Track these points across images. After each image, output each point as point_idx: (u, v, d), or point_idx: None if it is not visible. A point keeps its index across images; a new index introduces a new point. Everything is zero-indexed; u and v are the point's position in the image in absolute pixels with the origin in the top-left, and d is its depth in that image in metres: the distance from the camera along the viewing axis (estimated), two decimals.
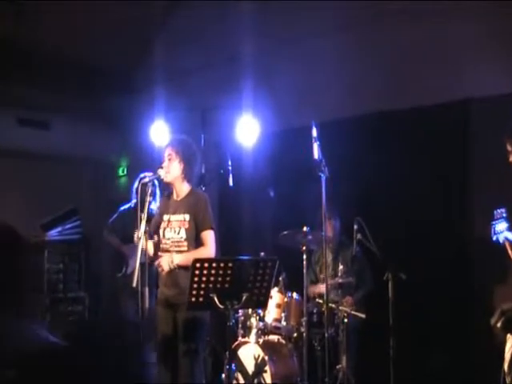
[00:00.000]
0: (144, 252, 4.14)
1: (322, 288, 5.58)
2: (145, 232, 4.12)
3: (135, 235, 4.27)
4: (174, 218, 4.41)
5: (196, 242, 4.32)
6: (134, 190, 6.17)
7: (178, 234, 4.35)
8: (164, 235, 4.42)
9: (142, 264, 4.06)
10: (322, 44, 6.31)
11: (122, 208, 6.30)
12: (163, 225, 4.45)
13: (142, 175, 6.17)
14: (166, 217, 4.45)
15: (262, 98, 6.43)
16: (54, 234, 7.49)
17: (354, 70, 6.15)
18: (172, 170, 4.39)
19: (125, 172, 8.53)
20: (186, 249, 4.30)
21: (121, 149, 8.49)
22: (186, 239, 4.32)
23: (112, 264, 6.18)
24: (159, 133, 6.42)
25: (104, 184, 8.46)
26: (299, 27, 6.44)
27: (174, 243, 4.36)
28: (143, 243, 4.11)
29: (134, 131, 7.68)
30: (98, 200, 8.13)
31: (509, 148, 4.29)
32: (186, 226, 4.33)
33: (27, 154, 7.59)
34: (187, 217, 4.36)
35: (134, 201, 6.17)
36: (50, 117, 7.82)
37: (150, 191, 4.28)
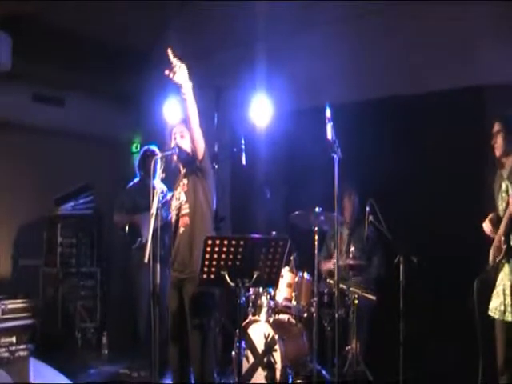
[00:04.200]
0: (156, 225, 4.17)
1: (332, 265, 5.63)
2: (157, 208, 4.15)
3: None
4: (177, 190, 4.46)
5: (195, 195, 4.30)
6: (138, 165, 6.27)
7: (179, 199, 4.38)
8: (171, 208, 4.46)
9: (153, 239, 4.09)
10: (338, 28, 6.27)
11: (129, 185, 6.35)
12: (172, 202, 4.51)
13: (144, 149, 6.29)
14: (174, 193, 4.52)
15: (276, 77, 6.40)
16: (67, 208, 7.55)
17: (369, 54, 6.12)
18: (183, 146, 4.40)
19: (138, 149, 8.55)
20: (187, 211, 4.30)
21: (134, 126, 8.51)
22: (186, 201, 4.33)
23: (126, 238, 6.19)
24: (172, 111, 6.42)
25: (117, 160, 8.49)
26: (314, 11, 6.39)
27: (177, 210, 4.38)
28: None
29: (148, 109, 7.68)
30: (111, 176, 8.16)
31: (496, 128, 4.29)
32: (185, 188, 4.36)
33: (41, 129, 7.62)
34: (185, 180, 4.39)
35: (138, 177, 6.26)
36: (64, 93, 7.83)
37: (163, 167, 4.30)
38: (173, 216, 4.42)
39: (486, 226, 4.27)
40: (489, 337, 4.28)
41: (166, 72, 4.05)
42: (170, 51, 4.05)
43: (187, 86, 4.13)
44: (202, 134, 4.27)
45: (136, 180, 6.32)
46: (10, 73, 6.69)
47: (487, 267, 4.26)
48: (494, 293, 4.20)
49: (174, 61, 4.06)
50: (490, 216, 4.29)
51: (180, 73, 4.07)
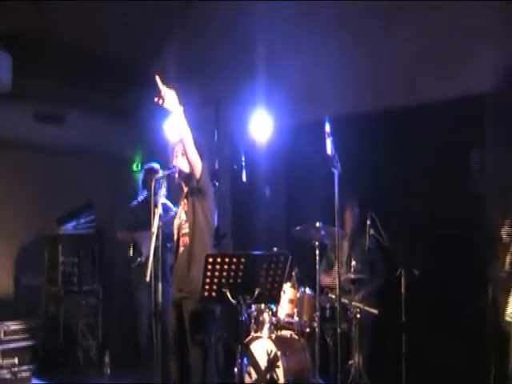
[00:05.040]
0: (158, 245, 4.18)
1: (332, 280, 5.63)
2: (158, 227, 4.16)
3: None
4: (179, 209, 4.49)
5: (194, 215, 4.30)
6: (141, 183, 6.29)
7: (180, 218, 4.41)
8: (174, 226, 4.49)
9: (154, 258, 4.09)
10: (337, 39, 6.29)
11: (133, 204, 6.36)
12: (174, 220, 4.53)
13: (146, 167, 6.30)
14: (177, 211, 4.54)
15: (276, 93, 6.42)
16: (68, 227, 7.55)
17: (368, 64, 6.13)
18: (182, 166, 4.43)
19: (139, 167, 8.56)
20: (187, 230, 4.32)
21: (135, 143, 8.53)
22: (186, 220, 4.35)
23: (126, 256, 6.20)
24: (173, 128, 6.44)
25: (119, 178, 8.50)
26: (312, 22, 6.42)
27: (178, 229, 4.42)
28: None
29: (149, 126, 7.71)
30: (112, 194, 8.16)
31: None
32: (186, 208, 4.38)
33: (43, 148, 7.63)
34: (186, 200, 4.42)
35: (143, 195, 6.27)
36: (65, 111, 7.85)
37: (164, 186, 4.32)
38: (175, 234, 4.45)
39: (505, 230, 4.28)
40: (502, 342, 4.29)
41: (156, 99, 4.10)
42: (157, 78, 4.09)
43: (178, 111, 4.17)
44: (198, 154, 4.30)
45: (140, 198, 6.32)
46: (10, 92, 6.71)
47: (501, 273, 4.27)
48: (511, 298, 4.21)
49: (163, 88, 4.11)
50: (510, 220, 4.30)
51: (169, 99, 4.11)
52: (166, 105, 4.13)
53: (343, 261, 5.80)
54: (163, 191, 4.34)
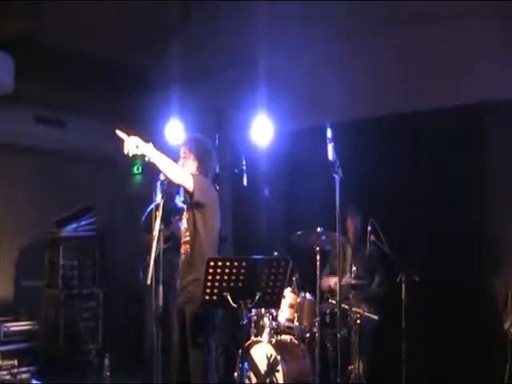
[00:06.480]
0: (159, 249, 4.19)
1: (334, 281, 5.61)
2: (159, 230, 4.16)
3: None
4: (183, 215, 4.49)
5: (194, 225, 4.29)
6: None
7: (183, 225, 4.41)
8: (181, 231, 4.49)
9: (156, 261, 4.10)
10: (337, 46, 6.31)
11: (150, 208, 6.37)
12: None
13: None
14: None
15: (277, 98, 6.44)
16: (69, 230, 7.56)
17: (369, 72, 6.15)
18: (186, 168, 4.42)
19: (139, 170, 8.58)
20: (188, 238, 4.31)
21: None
22: (187, 228, 4.34)
23: (128, 259, 6.19)
24: (174, 132, 6.46)
25: (119, 182, 8.51)
26: (314, 29, 6.45)
27: (182, 236, 4.41)
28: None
29: (150, 130, 7.72)
30: (113, 197, 8.17)
31: None
32: (187, 215, 4.38)
33: (44, 151, 7.65)
34: (187, 207, 4.41)
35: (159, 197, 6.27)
36: (66, 115, 7.87)
37: (163, 190, 4.32)
38: (182, 239, 4.45)
39: None
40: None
41: (125, 152, 4.06)
42: (119, 132, 4.07)
43: (148, 152, 4.11)
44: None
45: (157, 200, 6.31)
46: (12, 94, 6.73)
47: None
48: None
49: (126, 139, 4.07)
50: None
51: (135, 147, 4.07)
52: (136, 152, 4.09)
53: (346, 267, 5.79)
54: (165, 196, 4.34)
